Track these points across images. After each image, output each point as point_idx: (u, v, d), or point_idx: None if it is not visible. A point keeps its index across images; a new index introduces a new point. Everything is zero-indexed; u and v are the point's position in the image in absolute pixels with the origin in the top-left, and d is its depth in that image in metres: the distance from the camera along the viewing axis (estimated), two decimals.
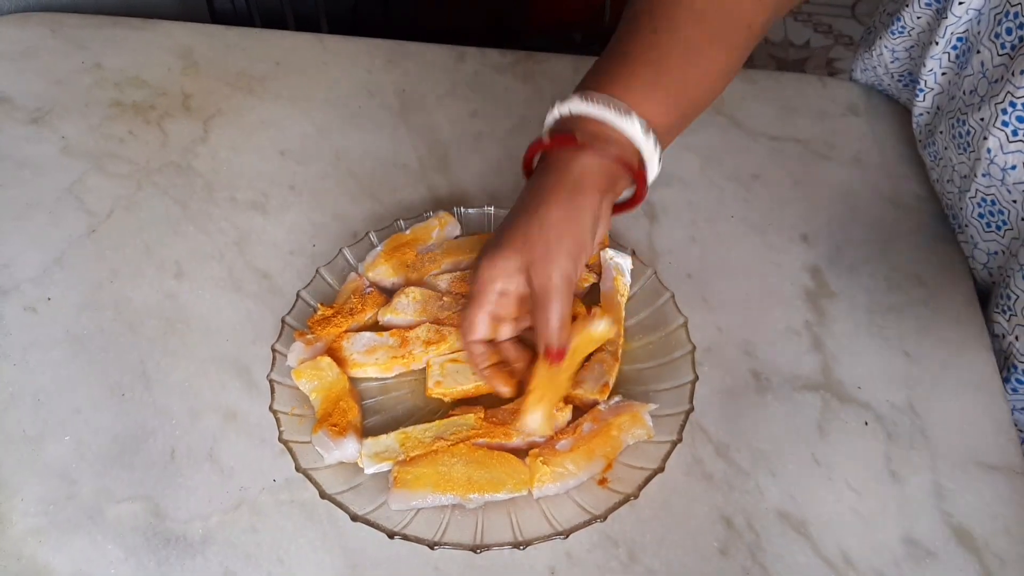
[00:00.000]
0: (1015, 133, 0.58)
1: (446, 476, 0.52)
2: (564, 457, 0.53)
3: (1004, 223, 0.62)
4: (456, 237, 0.66)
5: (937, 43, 0.66)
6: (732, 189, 0.73)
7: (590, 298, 0.62)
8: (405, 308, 0.60)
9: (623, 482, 0.52)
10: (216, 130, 0.77)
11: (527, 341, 0.56)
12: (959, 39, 0.65)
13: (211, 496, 0.54)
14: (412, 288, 0.61)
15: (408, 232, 0.65)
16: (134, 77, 0.81)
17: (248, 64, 0.83)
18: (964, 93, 0.64)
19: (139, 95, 0.80)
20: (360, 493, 0.52)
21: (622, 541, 0.52)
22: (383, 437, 0.54)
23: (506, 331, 0.55)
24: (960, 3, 0.63)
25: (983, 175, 0.61)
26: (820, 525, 0.53)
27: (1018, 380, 0.61)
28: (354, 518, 0.50)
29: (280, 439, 0.54)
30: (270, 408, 0.55)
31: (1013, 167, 0.59)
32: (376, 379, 0.59)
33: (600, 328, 0.54)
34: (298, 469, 0.52)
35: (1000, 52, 0.60)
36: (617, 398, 0.56)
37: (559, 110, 0.52)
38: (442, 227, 0.65)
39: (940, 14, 0.66)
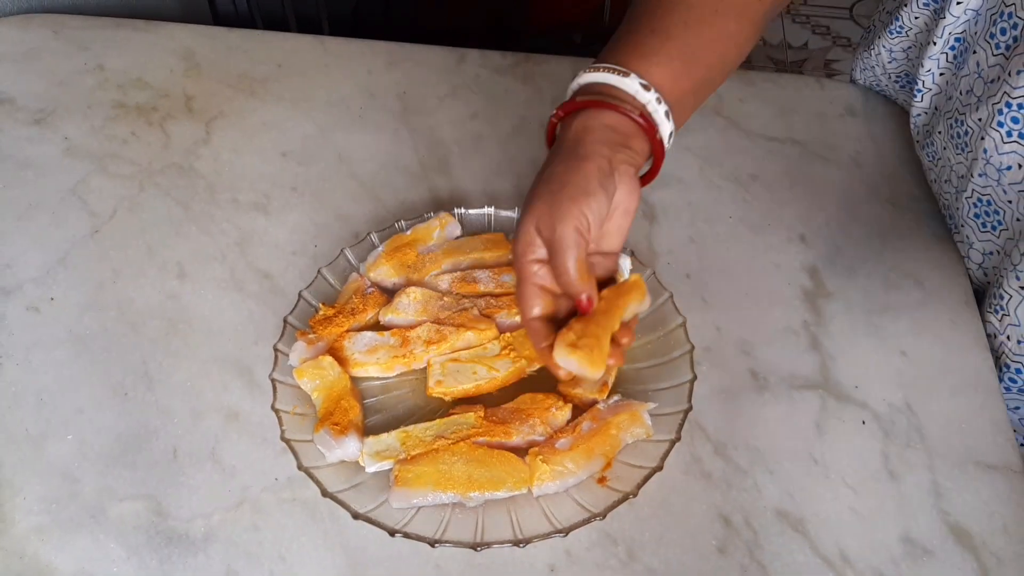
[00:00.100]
0: (1010, 134, 0.58)
1: (447, 474, 0.52)
2: (564, 456, 0.53)
3: (999, 223, 0.62)
4: (457, 238, 0.66)
5: (935, 43, 0.66)
6: (730, 190, 0.73)
7: None
8: (406, 308, 0.61)
9: (622, 480, 0.53)
10: (218, 131, 0.77)
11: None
12: (957, 39, 0.65)
13: (213, 495, 0.55)
14: (413, 288, 0.62)
15: (409, 233, 0.65)
16: (136, 79, 0.82)
17: (250, 66, 0.83)
18: (961, 93, 0.64)
19: (141, 96, 0.80)
20: (361, 491, 0.53)
21: (621, 539, 0.53)
22: (384, 436, 0.54)
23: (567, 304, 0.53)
24: (958, 3, 0.63)
25: (979, 175, 0.62)
26: (818, 523, 0.53)
27: (1011, 379, 0.61)
28: (355, 516, 0.51)
29: (282, 438, 0.54)
30: (272, 407, 0.56)
31: (1008, 167, 0.59)
32: (377, 378, 0.59)
33: (625, 264, 0.53)
34: (300, 468, 0.53)
35: (995, 52, 0.60)
36: (616, 397, 0.56)
37: (572, 86, 0.53)
38: (443, 228, 0.65)
39: (938, 14, 0.67)
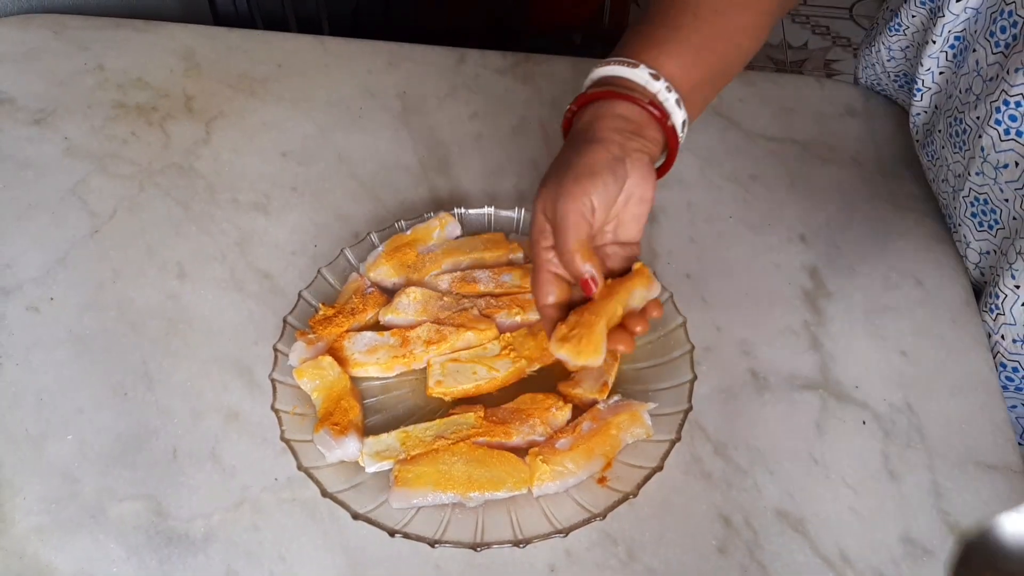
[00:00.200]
0: (1008, 132, 0.58)
1: (446, 475, 0.52)
2: (564, 456, 0.53)
3: (996, 222, 0.62)
4: (456, 237, 0.66)
5: (934, 42, 0.66)
6: (731, 190, 0.73)
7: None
8: (406, 308, 0.61)
9: (622, 481, 0.53)
10: (218, 132, 0.77)
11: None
12: (956, 38, 0.65)
13: (213, 495, 0.55)
14: (413, 288, 0.62)
15: (409, 233, 0.65)
16: (136, 79, 0.82)
17: (250, 66, 0.83)
18: (961, 92, 0.64)
19: (141, 97, 0.80)
20: (361, 492, 0.53)
21: (621, 539, 0.53)
22: (384, 436, 0.54)
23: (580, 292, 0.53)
24: (957, 1, 0.63)
25: (976, 173, 0.62)
26: (818, 523, 0.53)
27: (1007, 378, 0.62)
28: (355, 516, 0.51)
29: (282, 438, 0.54)
30: (272, 407, 0.56)
31: (1005, 165, 0.59)
32: (377, 378, 0.59)
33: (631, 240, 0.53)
34: (300, 468, 0.53)
35: (995, 50, 0.60)
36: (616, 397, 0.56)
37: (586, 81, 0.54)
38: (443, 228, 0.65)
39: (934, 13, 0.67)
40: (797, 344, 0.62)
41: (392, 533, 0.50)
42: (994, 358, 0.62)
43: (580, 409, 0.56)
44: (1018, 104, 0.57)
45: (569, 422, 0.56)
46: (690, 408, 0.55)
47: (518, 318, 0.61)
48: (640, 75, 0.52)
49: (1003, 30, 0.59)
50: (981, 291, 0.66)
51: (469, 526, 0.51)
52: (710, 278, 0.66)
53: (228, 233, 0.69)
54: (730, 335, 0.63)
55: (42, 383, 0.60)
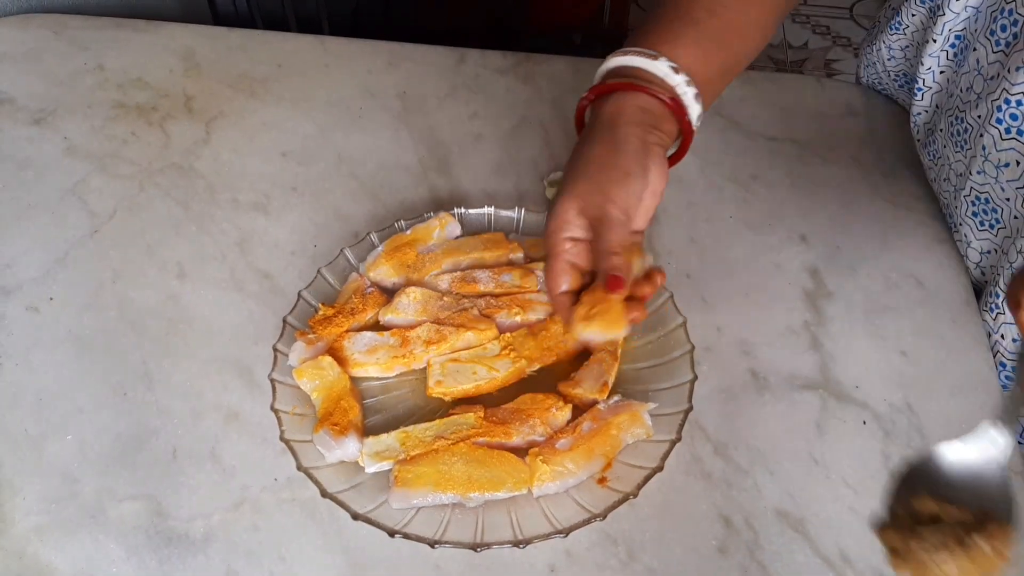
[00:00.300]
0: (1008, 131, 0.58)
1: (446, 475, 0.52)
2: (564, 456, 0.53)
3: (997, 221, 0.62)
4: (456, 237, 0.66)
5: (935, 41, 0.66)
6: (731, 190, 0.73)
7: None
8: (406, 308, 0.61)
9: (622, 481, 0.53)
10: (218, 132, 0.77)
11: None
12: (957, 36, 0.65)
13: (213, 495, 0.54)
14: (413, 288, 0.62)
15: (409, 232, 0.65)
16: (136, 79, 0.82)
17: (250, 66, 0.83)
18: (962, 91, 0.64)
19: (141, 96, 0.80)
20: (361, 492, 0.53)
21: (621, 539, 0.53)
22: (384, 436, 0.54)
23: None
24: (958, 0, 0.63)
25: (978, 172, 0.62)
26: (818, 524, 0.53)
27: (1007, 377, 0.61)
28: (355, 517, 0.51)
29: (281, 438, 0.54)
30: (271, 407, 0.56)
31: (1007, 164, 0.59)
32: (377, 378, 0.59)
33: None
34: (299, 468, 0.53)
35: (995, 49, 0.60)
36: (616, 397, 0.56)
37: (600, 69, 0.54)
38: (442, 227, 0.65)
39: (934, 12, 0.67)
40: (797, 344, 0.62)
41: (392, 533, 0.50)
42: (994, 357, 0.62)
43: (580, 409, 0.56)
44: (1019, 103, 0.57)
45: (569, 422, 0.56)
46: (690, 408, 0.55)
47: (518, 318, 0.60)
48: (660, 67, 0.52)
49: (1003, 28, 0.59)
50: (981, 291, 0.66)
51: (469, 526, 0.51)
52: (710, 278, 0.66)
53: (228, 233, 0.69)
54: (730, 335, 0.63)
55: (42, 383, 0.60)
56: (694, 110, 0.54)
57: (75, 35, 0.85)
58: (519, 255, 0.64)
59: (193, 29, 0.87)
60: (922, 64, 0.68)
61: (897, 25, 0.72)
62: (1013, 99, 0.57)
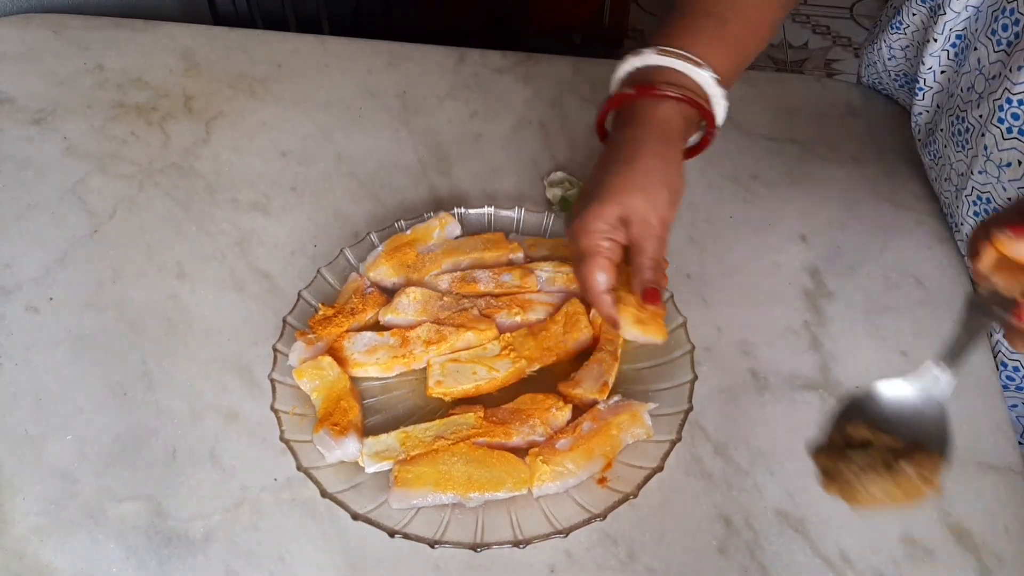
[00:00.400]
0: (1010, 130, 0.58)
1: (446, 475, 0.52)
2: (564, 456, 0.53)
3: None
4: (456, 237, 0.66)
5: (935, 40, 0.66)
6: (731, 190, 0.73)
7: None
8: (406, 308, 0.61)
9: (622, 481, 0.53)
10: (218, 131, 0.77)
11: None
12: (958, 36, 0.65)
13: (212, 495, 0.54)
14: (413, 288, 0.62)
15: (409, 232, 0.65)
16: (136, 78, 0.82)
17: (250, 66, 0.83)
18: (962, 90, 0.64)
19: (141, 96, 0.80)
20: (361, 492, 0.53)
21: (621, 540, 0.53)
22: (384, 436, 0.54)
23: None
24: None
25: (979, 172, 0.62)
26: (819, 524, 0.53)
27: (1008, 377, 0.61)
28: (355, 517, 0.51)
29: (281, 438, 0.54)
30: (271, 407, 0.56)
31: (1008, 164, 0.59)
32: (377, 378, 0.59)
33: None
34: (299, 468, 0.53)
35: (997, 49, 0.60)
36: (616, 397, 0.56)
37: (632, 63, 0.55)
38: (442, 227, 0.65)
39: (934, 12, 0.67)
40: (797, 344, 0.62)
41: (392, 533, 0.50)
42: (994, 358, 0.62)
43: (580, 409, 0.56)
44: (1021, 102, 0.57)
45: (569, 422, 0.56)
46: (690, 408, 0.55)
47: (518, 318, 0.60)
48: (705, 78, 0.54)
49: (1005, 28, 0.59)
50: None
51: (469, 526, 0.51)
52: (710, 278, 0.66)
53: (228, 233, 0.69)
54: (730, 335, 0.63)
55: (41, 383, 0.60)
56: (720, 115, 0.55)
57: (75, 35, 0.85)
58: (519, 255, 0.64)
59: (193, 29, 0.87)
60: (923, 64, 0.68)
61: (898, 25, 0.72)
62: (1015, 98, 0.57)
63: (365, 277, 0.63)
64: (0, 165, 0.74)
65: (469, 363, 0.58)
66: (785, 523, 0.53)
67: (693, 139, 0.58)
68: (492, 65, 0.83)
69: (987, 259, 0.38)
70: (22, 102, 0.79)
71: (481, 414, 0.55)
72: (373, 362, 0.58)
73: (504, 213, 0.67)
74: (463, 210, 0.67)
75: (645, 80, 0.54)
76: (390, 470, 0.53)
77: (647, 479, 0.52)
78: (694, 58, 0.54)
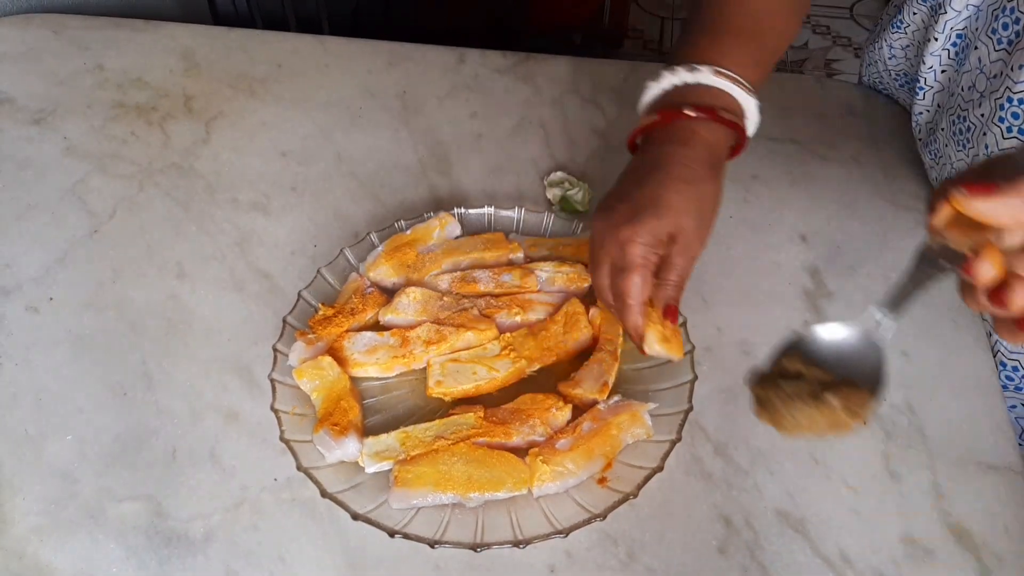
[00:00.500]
0: (1011, 129, 0.58)
1: (446, 475, 0.52)
2: (564, 456, 0.53)
3: None
4: (456, 237, 0.66)
5: (936, 39, 0.66)
6: (731, 189, 0.72)
7: (591, 297, 0.62)
8: (406, 308, 0.61)
9: (622, 481, 0.53)
10: (218, 131, 0.77)
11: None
12: (958, 35, 0.65)
13: (212, 495, 0.54)
14: (413, 288, 0.62)
15: (409, 232, 0.65)
16: (136, 78, 0.82)
17: (250, 66, 0.83)
18: (963, 90, 0.64)
19: (141, 96, 0.80)
20: (361, 492, 0.53)
21: (621, 540, 0.53)
22: (384, 436, 0.54)
23: None
24: None
25: None
26: (819, 524, 0.53)
27: (1007, 377, 0.61)
28: (355, 517, 0.51)
29: (281, 438, 0.54)
30: (271, 407, 0.56)
31: None
32: (377, 378, 0.59)
33: None
34: (299, 468, 0.53)
35: (997, 48, 0.60)
36: (616, 397, 0.56)
37: (683, 77, 0.55)
38: (442, 227, 0.65)
39: (935, 11, 0.67)
40: None
41: (392, 533, 0.50)
42: (994, 357, 0.62)
43: (580, 409, 0.56)
44: (1021, 101, 0.57)
45: (569, 422, 0.56)
46: (690, 408, 0.55)
47: (518, 318, 0.60)
48: (751, 105, 0.55)
49: (1005, 27, 0.59)
50: None
51: (469, 526, 0.51)
52: (710, 278, 0.66)
53: (228, 233, 0.69)
54: (730, 335, 0.63)
55: (41, 383, 0.60)
56: (751, 130, 0.57)
57: (75, 35, 0.85)
58: (519, 255, 0.64)
59: (193, 29, 0.87)
60: (923, 63, 0.68)
61: (899, 23, 0.72)
62: (1015, 97, 0.57)
63: (365, 277, 0.63)
64: (0, 165, 0.74)
65: (469, 363, 0.58)
66: (785, 523, 0.53)
67: None
68: (492, 65, 0.83)
69: (942, 215, 0.39)
70: (22, 102, 0.79)
71: (481, 414, 0.55)
72: (373, 362, 0.58)
73: (504, 213, 0.67)
74: (463, 210, 0.67)
75: (695, 97, 0.54)
76: (390, 470, 0.53)
77: (647, 479, 0.52)
78: (747, 85, 0.55)
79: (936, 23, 0.65)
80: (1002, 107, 0.58)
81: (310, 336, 0.59)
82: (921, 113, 0.71)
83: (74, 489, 0.55)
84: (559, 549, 0.52)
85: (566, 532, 0.50)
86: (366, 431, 0.56)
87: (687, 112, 0.54)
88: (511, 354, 0.59)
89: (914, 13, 0.70)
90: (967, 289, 0.40)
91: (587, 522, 0.50)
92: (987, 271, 0.38)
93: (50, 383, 0.60)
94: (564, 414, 0.56)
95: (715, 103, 0.54)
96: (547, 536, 0.50)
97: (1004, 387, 0.62)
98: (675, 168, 0.53)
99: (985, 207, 0.37)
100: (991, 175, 0.37)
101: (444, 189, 0.73)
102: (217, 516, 0.54)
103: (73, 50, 0.84)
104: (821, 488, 0.55)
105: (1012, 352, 0.61)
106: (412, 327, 0.60)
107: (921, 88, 0.69)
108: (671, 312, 0.53)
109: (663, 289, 0.53)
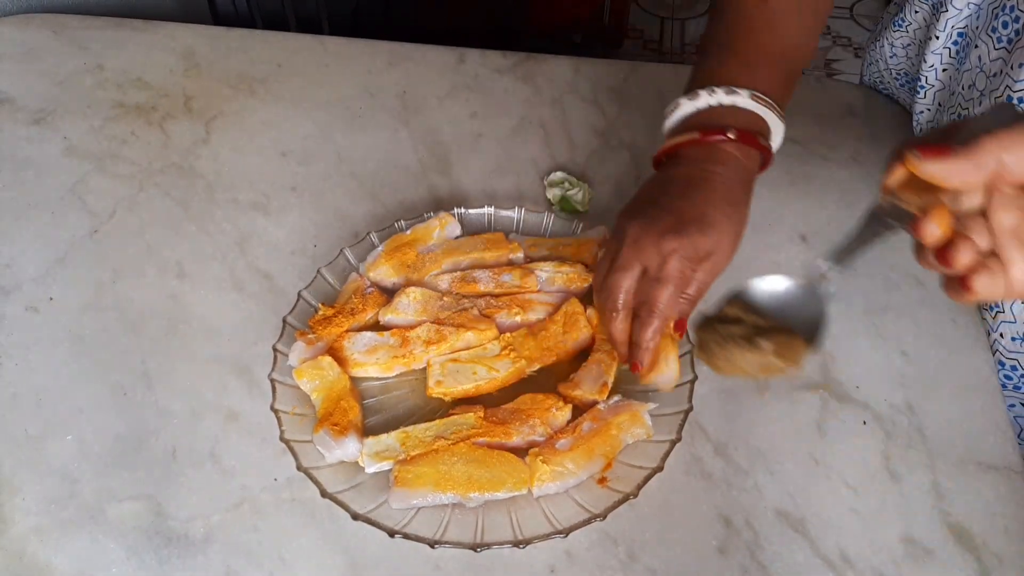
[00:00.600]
0: None
1: (446, 475, 0.52)
2: (564, 456, 0.53)
3: None
4: (456, 237, 0.66)
5: (937, 38, 0.66)
6: None
7: (590, 297, 0.62)
8: (406, 308, 0.61)
9: (622, 481, 0.53)
10: (218, 131, 0.77)
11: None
12: (959, 34, 0.65)
13: (212, 495, 0.54)
14: (413, 288, 0.62)
15: (409, 232, 0.65)
16: (136, 78, 0.82)
17: (250, 66, 0.83)
18: (964, 88, 0.64)
19: (141, 96, 0.80)
20: (361, 492, 0.53)
21: (621, 540, 0.53)
22: (384, 436, 0.54)
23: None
24: None
25: None
26: (819, 524, 0.53)
27: (1006, 376, 0.61)
28: (355, 517, 0.51)
29: (281, 438, 0.54)
30: (271, 407, 0.56)
31: None
32: (377, 378, 0.59)
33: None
34: (299, 468, 0.53)
35: (997, 46, 0.60)
36: (616, 397, 0.56)
37: (720, 99, 0.55)
38: (442, 227, 0.65)
39: (936, 9, 0.67)
40: None
41: (392, 533, 0.50)
42: (993, 356, 0.62)
43: (580, 409, 0.56)
44: (1021, 100, 0.57)
45: (569, 422, 0.56)
46: (690, 408, 0.55)
47: (518, 318, 0.60)
48: (779, 129, 0.56)
49: (1005, 25, 0.59)
50: None
51: (469, 526, 0.51)
52: None
53: (228, 233, 0.69)
54: None
55: (41, 383, 0.60)
56: (775, 148, 0.57)
57: (75, 35, 0.85)
58: (519, 255, 0.64)
59: (193, 29, 0.87)
60: (924, 61, 0.68)
61: (900, 21, 0.72)
62: (1016, 96, 0.57)
63: (365, 277, 0.63)
64: (0, 165, 0.74)
65: (469, 363, 0.58)
66: (785, 523, 0.53)
67: None
68: (492, 65, 0.83)
69: (896, 175, 0.40)
70: (22, 102, 0.79)
71: (481, 414, 0.55)
72: (373, 362, 0.58)
73: (504, 213, 0.67)
74: (463, 210, 0.67)
75: (731, 119, 0.55)
76: (390, 470, 0.53)
77: (647, 479, 0.52)
78: (780, 111, 0.55)
79: (937, 21, 0.65)
80: None
81: (310, 336, 0.59)
82: (922, 112, 0.71)
83: (74, 489, 0.55)
84: (559, 549, 0.52)
85: (566, 532, 0.50)
86: (366, 431, 0.56)
87: (730, 135, 0.54)
88: (511, 354, 0.59)
89: (916, 11, 0.70)
90: (920, 249, 0.41)
91: (587, 522, 0.50)
92: (933, 231, 0.39)
93: (50, 383, 0.60)
94: (564, 414, 0.56)
95: (751, 127, 0.55)
96: (547, 536, 0.50)
97: (1003, 386, 0.62)
98: (721, 188, 0.53)
99: (937, 169, 0.37)
100: (949, 139, 0.38)
101: (444, 189, 0.73)
102: (217, 516, 0.54)
103: (73, 50, 0.84)
104: (821, 488, 0.55)
105: (1011, 351, 0.61)
106: (412, 327, 0.60)
107: (922, 87, 0.69)
108: (681, 326, 0.54)
109: (694, 305, 0.54)
